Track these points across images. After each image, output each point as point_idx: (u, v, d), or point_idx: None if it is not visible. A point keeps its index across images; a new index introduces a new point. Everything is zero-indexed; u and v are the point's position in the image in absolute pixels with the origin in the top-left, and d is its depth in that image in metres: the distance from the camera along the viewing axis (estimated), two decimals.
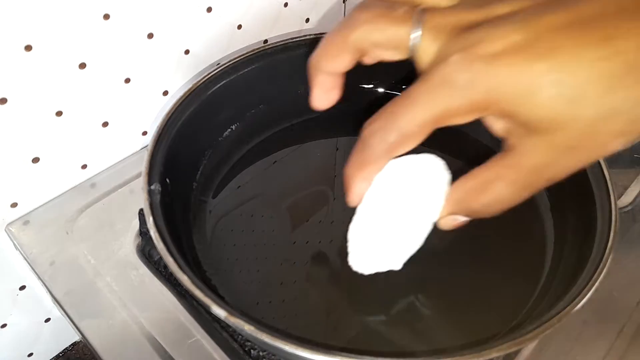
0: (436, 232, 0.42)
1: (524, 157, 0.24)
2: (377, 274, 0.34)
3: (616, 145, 0.22)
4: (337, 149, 0.51)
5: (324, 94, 0.31)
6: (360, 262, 0.34)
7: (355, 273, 0.34)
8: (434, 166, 0.32)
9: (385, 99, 0.54)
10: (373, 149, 0.26)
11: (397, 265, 0.33)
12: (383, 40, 0.26)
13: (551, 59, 0.21)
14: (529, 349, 0.38)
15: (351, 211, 0.31)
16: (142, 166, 0.38)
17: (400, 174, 0.31)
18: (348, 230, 0.33)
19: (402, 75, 0.52)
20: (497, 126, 0.25)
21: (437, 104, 0.23)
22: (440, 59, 0.23)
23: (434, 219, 0.32)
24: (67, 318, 0.41)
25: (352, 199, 0.29)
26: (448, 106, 0.23)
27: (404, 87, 0.53)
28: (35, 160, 0.44)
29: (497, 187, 0.25)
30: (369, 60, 0.29)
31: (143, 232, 0.44)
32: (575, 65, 0.21)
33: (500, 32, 0.22)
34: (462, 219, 0.29)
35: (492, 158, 0.26)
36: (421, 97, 0.24)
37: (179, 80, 0.51)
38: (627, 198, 0.47)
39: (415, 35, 0.25)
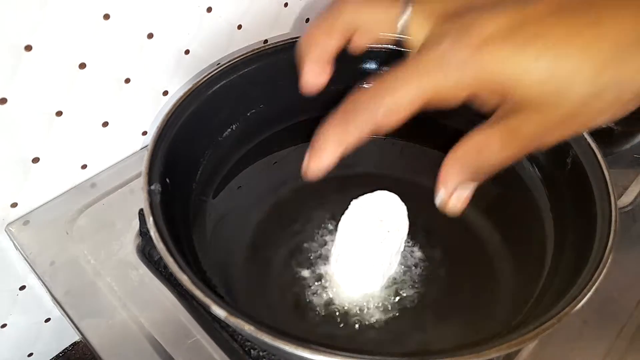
0: (437, 234, 0.42)
1: (517, 127, 0.25)
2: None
3: (603, 118, 0.24)
4: None
5: (314, 77, 0.31)
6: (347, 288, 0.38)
7: None
8: (391, 200, 0.39)
9: None
10: (358, 117, 0.26)
11: (378, 278, 0.38)
12: (373, 20, 0.27)
13: (540, 44, 0.22)
14: (528, 349, 0.38)
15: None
16: (142, 166, 0.38)
17: (365, 212, 0.38)
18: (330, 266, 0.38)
19: None
20: (490, 102, 0.26)
21: (430, 82, 0.24)
22: (432, 40, 0.24)
23: (401, 246, 0.38)
24: (67, 318, 0.41)
25: (315, 166, 0.28)
26: (440, 85, 0.24)
27: None
28: (36, 160, 0.44)
29: (492, 147, 0.26)
30: (356, 44, 0.29)
31: (143, 232, 0.44)
32: (564, 49, 0.22)
33: (491, 17, 0.23)
34: (464, 194, 0.28)
35: (489, 120, 0.26)
36: (414, 74, 0.24)
37: (179, 80, 0.51)
38: (627, 198, 0.47)
39: (406, 15, 0.26)
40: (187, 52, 0.50)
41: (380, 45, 0.51)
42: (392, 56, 0.52)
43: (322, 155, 0.27)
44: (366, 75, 0.53)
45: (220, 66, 0.46)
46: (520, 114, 0.24)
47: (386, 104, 0.25)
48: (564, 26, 0.22)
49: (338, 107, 0.26)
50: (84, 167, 0.48)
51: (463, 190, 0.28)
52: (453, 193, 0.28)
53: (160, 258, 0.38)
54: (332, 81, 0.52)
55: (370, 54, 0.52)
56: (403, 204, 0.40)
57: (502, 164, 0.27)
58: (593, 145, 0.40)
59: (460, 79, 0.24)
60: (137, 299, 0.40)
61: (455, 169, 0.27)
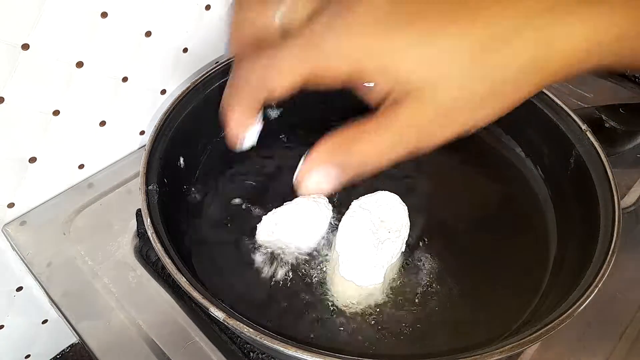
0: (439, 235, 0.42)
1: (394, 119, 0.24)
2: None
3: (485, 113, 0.23)
4: None
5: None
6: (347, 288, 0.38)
7: None
8: (392, 200, 0.40)
9: None
10: (246, 82, 0.26)
11: (379, 279, 0.37)
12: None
13: (414, 30, 0.22)
14: (531, 350, 0.38)
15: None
16: (140, 166, 0.37)
17: (365, 212, 0.39)
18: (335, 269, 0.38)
19: None
20: (374, 90, 0.24)
21: (305, 62, 0.24)
22: (313, 19, 0.24)
23: (402, 247, 0.38)
24: (64, 320, 0.40)
25: (232, 137, 0.28)
26: (316, 65, 0.24)
27: None
28: (33, 160, 0.44)
29: (372, 137, 0.24)
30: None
31: (141, 233, 0.44)
32: (439, 36, 0.22)
33: (365, 2, 0.23)
34: (321, 181, 0.26)
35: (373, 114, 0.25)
36: (290, 51, 0.24)
37: (177, 78, 0.51)
38: (630, 198, 0.46)
39: (281, 10, 0.26)
40: (185, 50, 0.50)
41: None
42: None
43: (232, 128, 0.27)
44: None
45: (219, 64, 0.45)
46: (399, 105, 0.23)
47: (265, 80, 0.25)
48: (440, 12, 0.22)
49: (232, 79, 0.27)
50: (81, 167, 0.48)
51: (322, 177, 0.26)
52: (312, 173, 0.26)
53: (158, 259, 0.38)
54: None
55: None
56: (404, 204, 0.40)
57: (377, 162, 0.25)
58: (596, 145, 0.39)
59: (332, 63, 0.23)
60: (135, 301, 0.40)
61: (325, 150, 0.26)
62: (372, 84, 0.24)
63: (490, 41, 0.22)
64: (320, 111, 0.52)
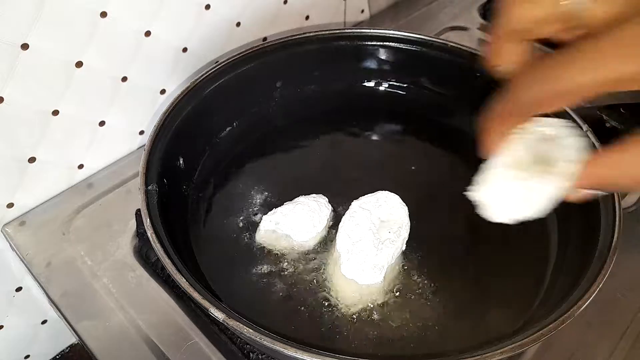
0: (439, 234, 0.42)
1: None
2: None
3: None
4: (337, 147, 0.50)
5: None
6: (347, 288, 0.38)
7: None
8: (392, 200, 0.40)
9: (386, 97, 0.54)
10: (518, 101, 0.23)
11: (379, 279, 0.38)
12: (543, 14, 0.23)
13: None
14: (533, 350, 0.38)
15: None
16: (139, 166, 0.37)
17: (365, 212, 0.39)
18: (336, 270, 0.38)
19: (403, 73, 0.52)
20: None
21: (610, 67, 0.20)
22: (621, 19, 0.20)
23: (402, 247, 0.39)
24: (63, 320, 0.40)
25: (485, 152, 0.27)
26: (622, 72, 0.20)
27: (404, 85, 0.53)
28: (32, 160, 0.44)
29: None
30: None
31: (140, 233, 0.44)
32: None
33: None
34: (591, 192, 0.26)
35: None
36: (591, 56, 0.20)
37: (176, 78, 0.51)
38: (630, 198, 0.46)
39: None
40: (185, 50, 0.50)
41: (381, 43, 0.51)
42: (393, 54, 0.51)
43: (488, 143, 0.26)
44: (367, 73, 0.53)
45: (219, 64, 0.45)
46: None
47: (551, 85, 0.21)
48: None
49: (504, 92, 0.24)
50: (80, 167, 0.48)
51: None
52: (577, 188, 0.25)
53: (158, 259, 0.37)
54: (333, 80, 0.52)
55: (370, 53, 0.51)
56: (404, 204, 0.40)
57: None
58: (597, 144, 0.39)
59: None
60: (134, 301, 0.40)
61: (590, 176, 0.24)
62: None
63: None
64: (319, 115, 0.52)
